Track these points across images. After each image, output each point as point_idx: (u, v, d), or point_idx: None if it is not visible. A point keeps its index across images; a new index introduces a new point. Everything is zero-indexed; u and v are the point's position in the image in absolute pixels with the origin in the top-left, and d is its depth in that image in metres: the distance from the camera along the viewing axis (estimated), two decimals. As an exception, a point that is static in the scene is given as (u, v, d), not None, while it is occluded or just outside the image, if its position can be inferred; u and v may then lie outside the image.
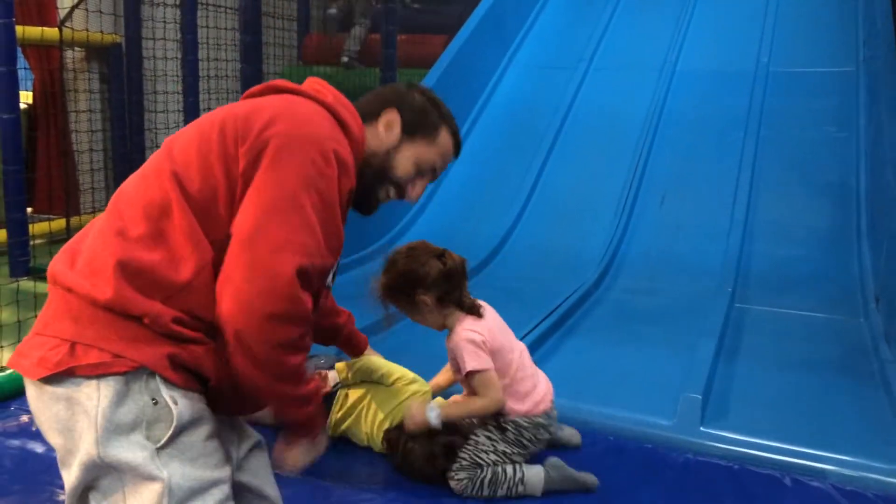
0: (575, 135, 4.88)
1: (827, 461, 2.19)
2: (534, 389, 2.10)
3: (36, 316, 1.43)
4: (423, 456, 2.06)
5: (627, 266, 4.00)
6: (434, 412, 2.01)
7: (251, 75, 4.18)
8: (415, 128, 1.63)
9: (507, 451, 2.06)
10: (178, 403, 1.29)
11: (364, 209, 1.69)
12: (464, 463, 2.05)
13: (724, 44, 5.25)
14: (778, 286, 3.71)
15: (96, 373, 1.25)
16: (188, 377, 1.32)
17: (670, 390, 2.51)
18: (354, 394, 2.29)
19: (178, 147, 1.39)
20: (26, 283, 3.80)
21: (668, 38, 5.37)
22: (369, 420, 2.25)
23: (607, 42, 5.54)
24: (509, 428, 2.07)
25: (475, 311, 2.05)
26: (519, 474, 2.03)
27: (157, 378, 1.28)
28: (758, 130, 4.57)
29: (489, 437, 2.07)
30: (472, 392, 2.04)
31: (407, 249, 2.06)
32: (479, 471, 2.04)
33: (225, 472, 1.36)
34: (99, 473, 1.28)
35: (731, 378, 2.77)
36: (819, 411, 2.54)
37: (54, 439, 1.30)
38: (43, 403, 1.29)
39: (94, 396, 1.26)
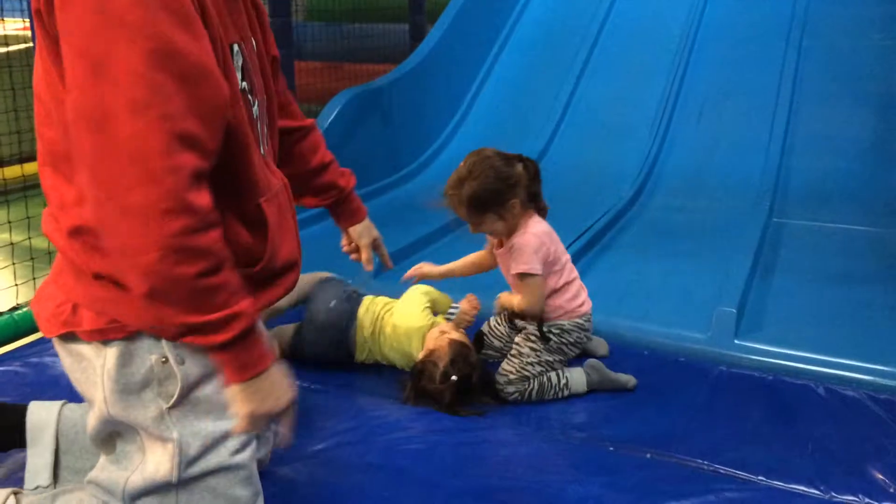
0: (609, 50, 4.77)
1: (862, 371, 2.20)
2: (579, 292, 2.18)
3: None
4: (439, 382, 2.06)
5: (663, 182, 3.96)
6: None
7: (279, 28, 4.12)
8: None
9: (551, 359, 2.15)
10: (185, 362, 1.26)
11: None
12: (511, 377, 2.11)
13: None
14: (817, 200, 3.66)
15: (98, 338, 1.25)
16: None
17: (705, 305, 2.53)
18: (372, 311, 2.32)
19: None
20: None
21: (707, -56, 5.16)
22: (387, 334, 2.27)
23: (643, -49, 5.34)
24: (552, 336, 2.13)
25: (544, 213, 2.15)
26: (563, 380, 2.14)
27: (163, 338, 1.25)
28: (800, 40, 4.42)
29: (533, 349, 2.14)
30: (517, 290, 2.13)
31: (485, 158, 2.06)
32: (526, 383, 2.11)
33: None
34: (116, 425, 1.31)
35: (766, 292, 2.77)
36: (855, 323, 2.53)
37: (75, 384, 1.34)
38: (62, 354, 1.32)
39: (101, 357, 1.26)
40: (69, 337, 1.28)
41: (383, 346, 2.28)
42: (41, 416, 1.59)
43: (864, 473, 1.81)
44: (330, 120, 3.70)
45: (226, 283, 1.13)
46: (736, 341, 2.37)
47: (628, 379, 2.18)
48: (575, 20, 4.96)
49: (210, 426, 1.30)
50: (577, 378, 2.15)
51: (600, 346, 2.39)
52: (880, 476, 1.80)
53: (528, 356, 2.13)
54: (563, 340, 2.16)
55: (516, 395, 2.11)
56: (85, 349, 1.27)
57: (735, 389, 2.20)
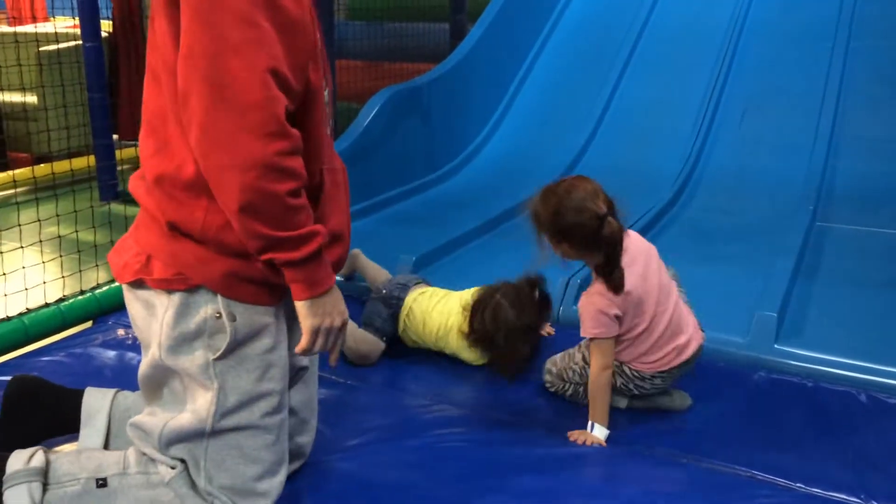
0: (651, 49, 4.73)
1: (906, 379, 2.16)
2: (655, 352, 1.96)
3: (128, 237, 1.53)
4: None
5: (704, 184, 3.91)
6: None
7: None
8: None
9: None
10: (237, 319, 1.38)
11: None
12: (553, 369, 2.11)
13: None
14: (863, 204, 3.58)
15: (163, 287, 1.37)
16: (257, 290, 1.38)
17: (745, 309, 2.49)
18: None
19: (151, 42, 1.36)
20: (117, 206, 3.97)
21: (753, -57, 5.09)
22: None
23: (687, -50, 5.29)
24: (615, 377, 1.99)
25: (618, 287, 1.87)
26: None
27: (219, 294, 1.37)
28: (847, 41, 4.33)
29: (586, 362, 2.04)
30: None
31: (572, 196, 1.86)
32: (562, 384, 2.10)
33: (278, 384, 1.44)
34: (165, 371, 1.43)
35: (808, 297, 2.73)
36: (900, 330, 2.48)
37: (136, 330, 1.47)
38: (129, 300, 1.46)
39: (164, 305, 1.38)
40: (139, 284, 1.40)
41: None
42: (97, 399, 1.69)
43: (906, 483, 1.78)
44: (369, 118, 3.73)
45: (305, 204, 1.29)
46: (776, 346, 2.34)
47: (682, 401, 2.03)
48: (616, 20, 4.92)
49: (249, 384, 1.41)
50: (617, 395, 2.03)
51: (679, 399, 2.10)
52: (923, 486, 1.76)
53: (577, 364, 2.07)
54: (624, 383, 2.01)
55: (550, 387, 2.11)
56: (152, 296, 1.39)
57: (774, 395, 2.17)
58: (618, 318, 1.89)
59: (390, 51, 5.61)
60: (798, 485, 1.77)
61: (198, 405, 1.41)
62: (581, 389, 2.07)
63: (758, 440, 1.94)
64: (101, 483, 1.46)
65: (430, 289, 2.46)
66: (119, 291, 2.65)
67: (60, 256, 3.04)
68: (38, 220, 3.09)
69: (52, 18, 6.87)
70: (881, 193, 3.64)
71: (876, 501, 1.71)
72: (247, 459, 1.44)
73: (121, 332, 2.50)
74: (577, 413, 2.07)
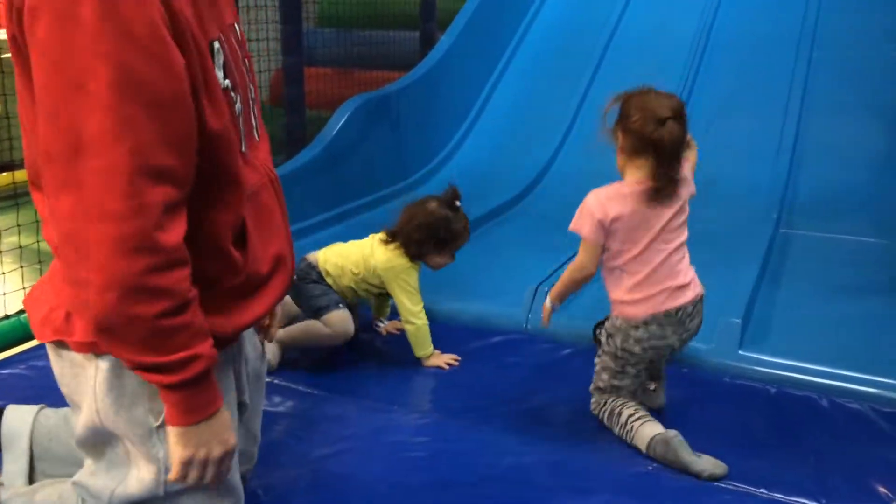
0: (619, 59, 4.77)
1: (866, 383, 2.20)
2: (640, 289, 1.93)
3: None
4: None
5: (671, 192, 3.94)
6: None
7: (290, 34, 4.14)
8: None
9: (612, 365, 2.00)
10: None
11: None
12: (591, 387, 2.08)
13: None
14: (826, 211, 3.64)
15: (90, 350, 1.22)
16: None
17: (710, 315, 2.48)
18: None
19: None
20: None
21: (718, -46, 5.16)
22: None
23: (654, -40, 5.35)
24: (603, 338, 2.03)
25: (664, 195, 1.93)
26: (629, 426, 1.95)
27: None
28: (810, 51, 4.41)
29: (598, 355, 2.06)
30: None
31: (642, 90, 1.97)
32: (599, 395, 2.04)
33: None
34: (105, 435, 1.29)
35: (773, 303, 2.76)
36: (861, 336, 2.52)
37: (63, 388, 1.32)
38: (52, 359, 1.30)
39: (92, 369, 1.23)
40: (62, 344, 1.26)
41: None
42: (16, 422, 1.59)
43: (866, 487, 1.80)
44: (339, 126, 3.72)
45: (186, 323, 1.11)
46: (740, 352, 2.36)
47: (703, 467, 1.83)
48: (585, 30, 4.96)
49: None
50: (642, 437, 1.92)
51: (656, 397, 2.12)
52: (883, 489, 1.79)
53: (597, 363, 2.06)
54: (614, 344, 1.98)
55: (594, 406, 2.05)
56: (77, 358, 1.25)
57: (738, 400, 2.19)
58: (602, 225, 1.90)
59: (360, 58, 5.59)
60: (761, 490, 1.79)
61: (144, 473, 1.27)
62: (618, 408, 1.99)
63: (721, 445, 1.95)
64: None
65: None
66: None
67: (21, 267, 2.99)
68: (-1, 230, 3.04)
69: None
70: (844, 200, 3.70)
71: (836, 505, 1.74)
72: None
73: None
74: (544, 422, 2.07)
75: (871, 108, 4.08)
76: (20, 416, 1.60)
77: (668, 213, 1.95)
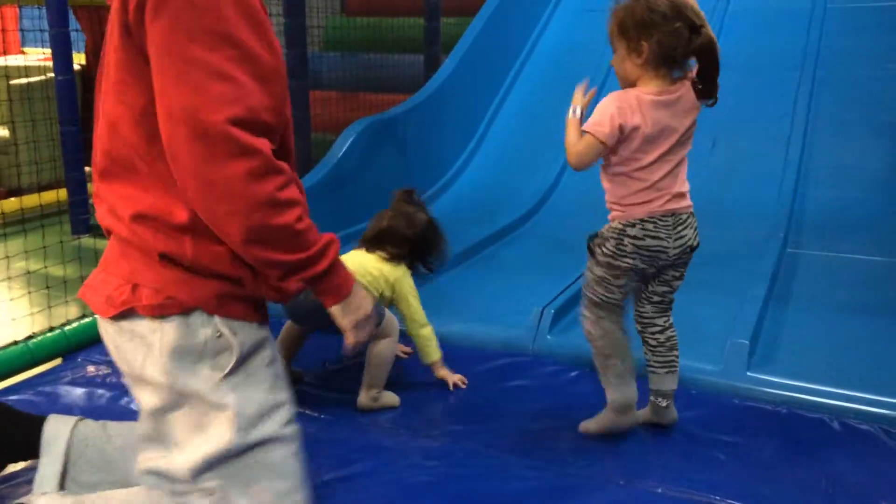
0: (623, 80, 4.79)
1: (877, 404, 2.18)
2: (645, 193, 1.93)
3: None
4: None
5: (676, 212, 3.94)
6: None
7: (296, 58, 4.18)
8: None
9: (602, 274, 1.99)
10: (238, 334, 1.38)
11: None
12: (584, 301, 2.06)
13: (780, -20, 5.06)
14: (833, 230, 3.63)
15: (156, 313, 1.35)
16: (247, 307, 1.41)
17: (717, 336, 2.51)
18: None
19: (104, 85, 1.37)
20: (87, 241, 3.94)
21: (720, -25, 5.19)
22: None
23: (656, -18, 5.38)
24: (596, 246, 2.01)
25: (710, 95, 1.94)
26: (606, 380, 2.04)
27: (215, 315, 1.37)
28: (814, 70, 4.42)
29: (589, 266, 2.03)
30: None
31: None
32: (593, 310, 2.03)
33: (286, 394, 1.47)
34: (173, 400, 1.38)
35: (781, 323, 2.75)
36: (871, 356, 2.50)
37: (125, 367, 1.41)
38: (114, 336, 1.40)
39: (158, 332, 1.35)
40: (126, 315, 1.36)
41: None
42: (57, 427, 1.67)
43: (879, 510, 1.78)
44: (344, 149, 3.74)
45: (311, 223, 1.34)
46: (748, 373, 2.35)
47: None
48: (588, 50, 4.98)
49: (262, 396, 1.41)
50: (611, 395, 2.04)
51: (668, 413, 2.12)
52: (896, 513, 1.77)
53: (587, 272, 2.03)
54: (609, 250, 1.96)
55: (588, 325, 2.04)
56: (142, 326, 1.36)
57: (748, 422, 2.17)
58: (621, 131, 1.87)
59: (365, 82, 5.63)
60: (772, 514, 1.77)
61: (218, 426, 1.38)
62: (602, 361, 2.04)
63: (731, 468, 1.94)
64: None
65: None
66: (89, 327, 2.62)
67: (29, 293, 3.00)
68: (7, 256, 3.05)
69: (24, 51, 6.84)
70: (851, 219, 3.70)
71: (849, 529, 1.72)
72: (277, 474, 1.43)
73: (90, 368, 2.46)
74: (551, 445, 2.06)
75: (876, 128, 4.09)
76: (62, 422, 1.69)
77: (686, 123, 1.95)
